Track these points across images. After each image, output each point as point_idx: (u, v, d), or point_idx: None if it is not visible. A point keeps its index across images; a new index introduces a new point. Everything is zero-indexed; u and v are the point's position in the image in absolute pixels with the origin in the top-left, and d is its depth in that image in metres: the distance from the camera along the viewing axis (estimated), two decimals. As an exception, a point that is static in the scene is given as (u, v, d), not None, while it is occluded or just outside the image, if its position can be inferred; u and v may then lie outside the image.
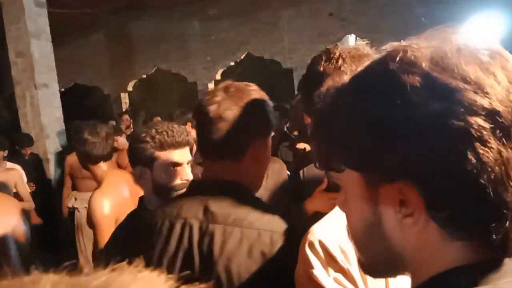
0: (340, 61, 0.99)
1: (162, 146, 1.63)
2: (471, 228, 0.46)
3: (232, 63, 11.70)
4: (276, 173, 2.12)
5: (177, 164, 1.67)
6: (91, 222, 2.22)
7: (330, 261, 0.84)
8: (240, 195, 1.06)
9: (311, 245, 0.87)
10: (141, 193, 2.24)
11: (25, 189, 3.87)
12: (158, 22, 11.70)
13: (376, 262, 0.56)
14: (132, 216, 1.78)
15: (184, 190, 1.21)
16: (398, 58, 0.48)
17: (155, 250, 1.06)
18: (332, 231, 0.87)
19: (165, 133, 1.62)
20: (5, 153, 3.88)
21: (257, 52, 11.32)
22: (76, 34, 11.39)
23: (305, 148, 2.83)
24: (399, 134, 0.46)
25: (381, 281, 0.83)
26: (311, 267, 0.85)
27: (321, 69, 1.00)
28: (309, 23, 10.74)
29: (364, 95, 0.50)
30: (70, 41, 11.34)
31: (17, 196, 3.67)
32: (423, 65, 0.46)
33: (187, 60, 11.88)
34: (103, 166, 2.37)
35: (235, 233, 0.99)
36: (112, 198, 2.22)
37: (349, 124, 0.50)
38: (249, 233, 0.99)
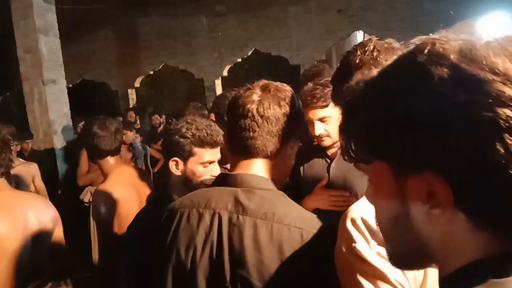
0: (376, 53, 1.00)
1: (201, 144, 1.73)
2: (498, 218, 0.47)
3: (239, 60, 11.69)
4: None
5: (211, 162, 1.77)
6: (95, 215, 2.25)
7: (373, 236, 0.86)
8: (269, 191, 1.07)
9: (353, 221, 0.88)
10: (145, 189, 2.25)
11: (42, 183, 3.90)
12: (165, 19, 11.73)
13: (403, 253, 0.57)
14: (156, 201, 1.83)
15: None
16: (426, 51, 0.48)
17: (181, 238, 1.07)
18: (373, 209, 0.89)
19: (205, 131, 1.72)
20: (18, 147, 3.89)
21: (264, 48, 11.30)
22: (84, 30, 11.44)
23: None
24: (426, 125, 0.46)
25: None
26: (353, 241, 0.86)
27: (357, 61, 1.00)
28: (317, 20, 10.69)
29: (393, 87, 0.51)
30: (78, 37, 11.40)
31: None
32: (451, 57, 0.47)
33: (194, 57, 11.89)
34: (110, 160, 2.39)
35: (266, 226, 0.99)
36: (117, 192, 2.24)
37: (377, 115, 0.51)
38: (279, 228, 0.99)
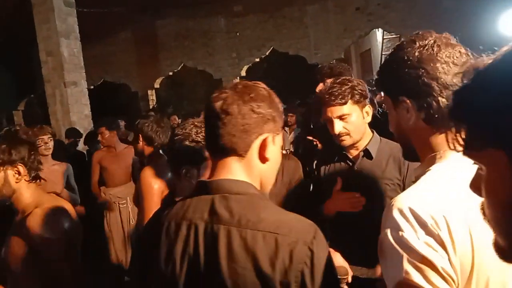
0: (436, 49, 0.98)
1: None
2: None
3: (257, 60, 11.70)
4: (291, 170, 2.10)
5: None
6: (141, 192, 2.47)
7: (421, 225, 0.86)
8: (246, 195, 1.03)
9: (401, 211, 0.88)
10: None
11: (75, 183, 3.98)
12: (183, 20, 11.82)
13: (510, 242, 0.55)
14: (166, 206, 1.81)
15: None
16: None
17: (161, 251, 1.05)
18: (420, 199, 0.89)
19: None
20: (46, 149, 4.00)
21: (282, 48, 11.28)
22: (104, 32, 11.61)
23: (316, 142, 2.78)
24: None
25: (468, 255, 0.85)
26: (400, 230, 0.86)
27: (417, 54, 0.99)
28: (335, 19, 10.63)
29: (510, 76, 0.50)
30: (98, 40, 11.58)
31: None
32: None
33: (212, 57, 11.96)
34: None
35: (240, 234, 0.96)
36: (161, 175, 2.50)
37: (494, 103, 0.50)
38: (253, 235, 0.96)
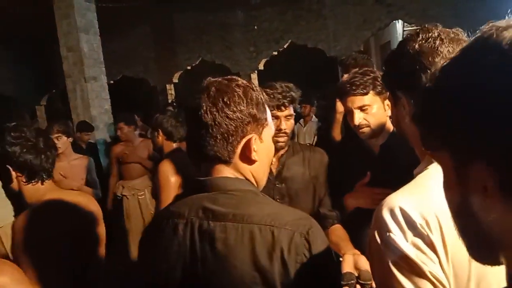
0: (438, 42, 0.94)
1: None
2: None
3: (275, 53, 11.63)
4: (317, 163, 2.03)
5: None
6: (158, 185, 2.55)
7: (409, 226, 0.83)
8: (240, 191, 1.03)
9: (391, 211, 0.85)
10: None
11: (95, 177, 4.07)
12: (201, 13, 11.81)
13: (475, 244, 0.55)
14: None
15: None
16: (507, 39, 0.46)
17: (160, 249, 1.05)
18: (412, 198, 0.86)
19: None
20: (70, 139, 4.08)
21: (300, 40, 11.19)
22: (123, 27, 11.70)
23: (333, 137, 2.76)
24: (499, 117, 0.44)
25: (464, 259, 0.81)
26: (388, 231, 0.84)
27: (417, 47, 0.96)
28: (354, 10, 10.46)
29: (470, 76, 0.49)
30: (117, 35, 11.67)
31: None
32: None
33: (230, 51, 11.94)
34: (173, 144, 2.96)
35: (236, 229, 0.96)
36: (178, 169, 2.60)
37: (442, 107, 0.51)
38: (249, 228, 0.95)
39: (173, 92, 13.16)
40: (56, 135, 3.71)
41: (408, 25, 11.21)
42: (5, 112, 13.57)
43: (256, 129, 1.05)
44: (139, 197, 4.44)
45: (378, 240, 0.85)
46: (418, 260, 0.80)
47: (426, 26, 1.00)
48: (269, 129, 1.10)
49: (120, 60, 12.52)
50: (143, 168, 4.55)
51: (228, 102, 1.01)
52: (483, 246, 0.54)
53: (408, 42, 0.99)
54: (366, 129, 1.82)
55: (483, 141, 0.46)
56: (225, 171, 1.05)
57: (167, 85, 12.98)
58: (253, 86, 1.08)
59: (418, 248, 0.81)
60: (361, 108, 1.81)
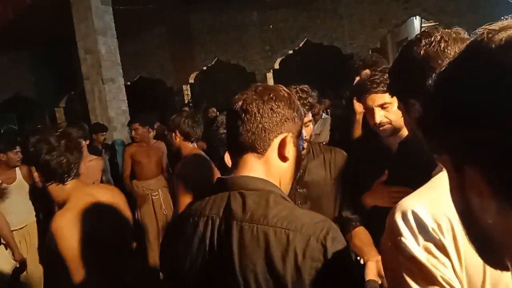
0: (443, 44, 0.94)
1: None
2: None
3: (291, 52, 11.60)
4: (338, 165, 2.02)
5: None
6: (176, 186, 2.56)
7: (421, 230, 0.82)
8: (261, 191, 1.03)
9: (404, 215, 0.84)
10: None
11: (110, 177, 4.15)
12: (216, 14, 11.86)
13: (482, 247, 0.54)
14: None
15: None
16: (501, 40, 0.45)
17: (180, 247, 1.07)
18: (425, 201, 0.85)
19: None
20: (87, 141, 4.16)
21: (316, 39, 11.13)
22: (139, 29, 11.82)
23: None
24: (493, 121, 0.44)
25: (478, 263, 0.79)
26: (400, 235, 0.83)
27: (422, 53, 0.95)
28: (370, 8, 10.37)
29: (463, 79, 0.49)
30: (133, 37, 11.79)
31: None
32: None
33: (245, 51, 11.95)
34: (190, 145, 3.01)
35: (251, 230, 0.97)
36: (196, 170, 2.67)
37: (440, 111, 0.51)
38: (265, 230, 0.96)
39: (189, 92, 13.24)
40: None
41: (426, 21, 11.07)
42: (27, 114, 13.90)
43: (292, 130, 1.09)
44: (153, 197, 4.49)
45: (390, 244, 0.84)
46: (429, 264, 0.79)
47: (426, 30, 1.01)
48: (301, 139, 1.14)
49: (137, 61, 12.65)
50: (157, 168, 4.60)
51: (273, 98, 1.06)
52: (491, 251, 0.53)
53: (410, 50, 0.99)
54: (387, 127, 1.80)
55: (473, 145, 0.46)
56: (254, 165, 1.07)
57: (183, 86, 13.06)
58: (295, 96, 1.15)
59: (430, 253, 0.80)
60: (382, 106, 1.79)
